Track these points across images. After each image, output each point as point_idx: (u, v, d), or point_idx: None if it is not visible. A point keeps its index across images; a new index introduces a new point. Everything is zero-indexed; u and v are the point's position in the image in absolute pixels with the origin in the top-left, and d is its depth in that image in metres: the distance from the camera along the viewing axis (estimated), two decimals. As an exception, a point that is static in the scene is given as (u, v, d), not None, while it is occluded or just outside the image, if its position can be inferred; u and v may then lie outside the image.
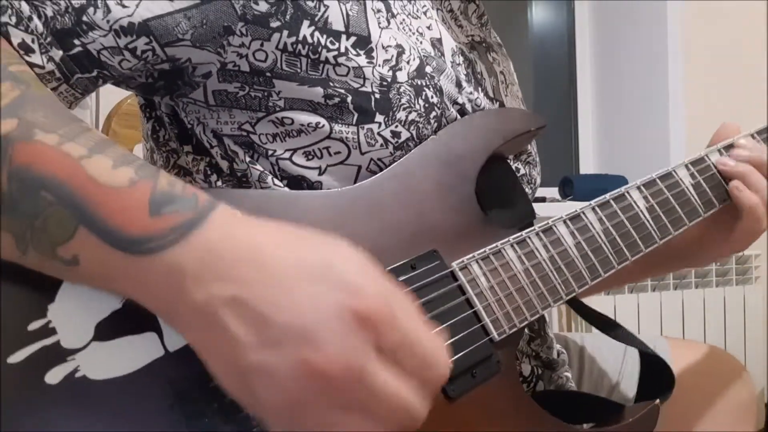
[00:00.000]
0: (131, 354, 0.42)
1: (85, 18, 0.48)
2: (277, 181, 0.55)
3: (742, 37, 2.23)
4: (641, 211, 0.61)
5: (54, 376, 0.41)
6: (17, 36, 0.47)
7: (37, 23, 0.47)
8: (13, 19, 0.46)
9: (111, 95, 1.08)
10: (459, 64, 0.64)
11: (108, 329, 0.42)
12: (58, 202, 0.38)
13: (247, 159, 0.55)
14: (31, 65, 0.47)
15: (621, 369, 0.80)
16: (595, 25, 2.39)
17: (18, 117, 0.40)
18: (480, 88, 0.65)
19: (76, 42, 0.48)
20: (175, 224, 0.38)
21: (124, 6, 0.48)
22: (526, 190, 0.71)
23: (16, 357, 0.40)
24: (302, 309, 0.36)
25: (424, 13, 0.63)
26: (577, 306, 0.67)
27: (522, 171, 0.71)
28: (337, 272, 0.37)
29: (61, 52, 0.48)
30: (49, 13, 0.47)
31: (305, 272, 0.37)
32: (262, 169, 0.55)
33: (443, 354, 0.39)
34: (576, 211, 0.58)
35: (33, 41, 0.47)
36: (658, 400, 0.57)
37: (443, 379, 0.38)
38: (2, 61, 0.42)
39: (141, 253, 0.38)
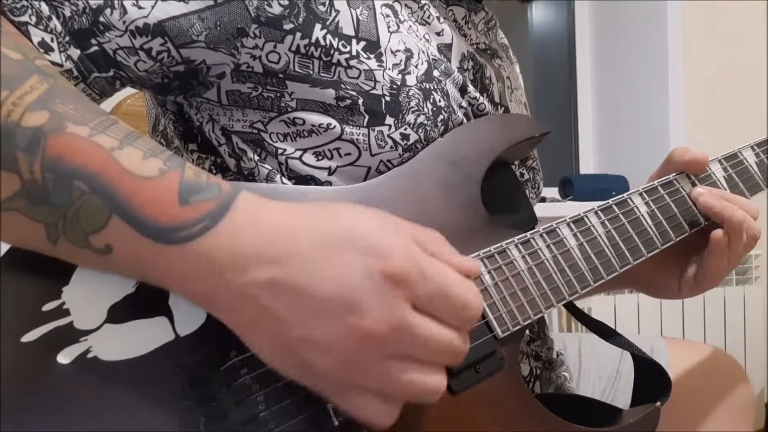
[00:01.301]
0: (142, 337, 0.43)
1: (101, 18, 0.49)
2: (285, 180, 0.56)
3: (742, 37, 2.23)
4: (643, 216, 0.61)
5: (66, 356, 0.41)
6: (37, 35, 0.48)
7: (56, 23, 0.48)
8: (33, 19, 0.48)
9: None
10: (467, 69, 0.64)
11: (120, 312, 0.43)
12: (92, 191, 0.39)
13: (256, 157, 0.56)
14: (50, 63, 0.48)
15: (618, 368, 0.81)
16: (595, 25, 2.39)
17: (49, 110, 0.40)
18: (486, 93, 0.66)
19: (93, 42, 0.49)
20: (203, 213, 0.39)
21: (139, 7, 0.49)
22: (531, 194, 0.71)
23: (30, 336, 0.41)
24: (339, 278, 0.38)
25: (437, 18, 0.63)
26: (575, 312, 0.68)
27: (526, 176, 0.71)
28: (361, 236, 0.39)
29: (78, 51, 0.49)
30: (68, 13, 0.49)
31: (333, 242, 0.39)
32: (270, 167, 0.56)
33: (473, 293, 0.41)
34: (579, 214, 0.59)
35: (52, 40, 0.48)
36: (659, 403, 0.58)
37: (477, 315, 0.42)
38: (28, 55, 0.43)
39: (171, 242, 0.39)
